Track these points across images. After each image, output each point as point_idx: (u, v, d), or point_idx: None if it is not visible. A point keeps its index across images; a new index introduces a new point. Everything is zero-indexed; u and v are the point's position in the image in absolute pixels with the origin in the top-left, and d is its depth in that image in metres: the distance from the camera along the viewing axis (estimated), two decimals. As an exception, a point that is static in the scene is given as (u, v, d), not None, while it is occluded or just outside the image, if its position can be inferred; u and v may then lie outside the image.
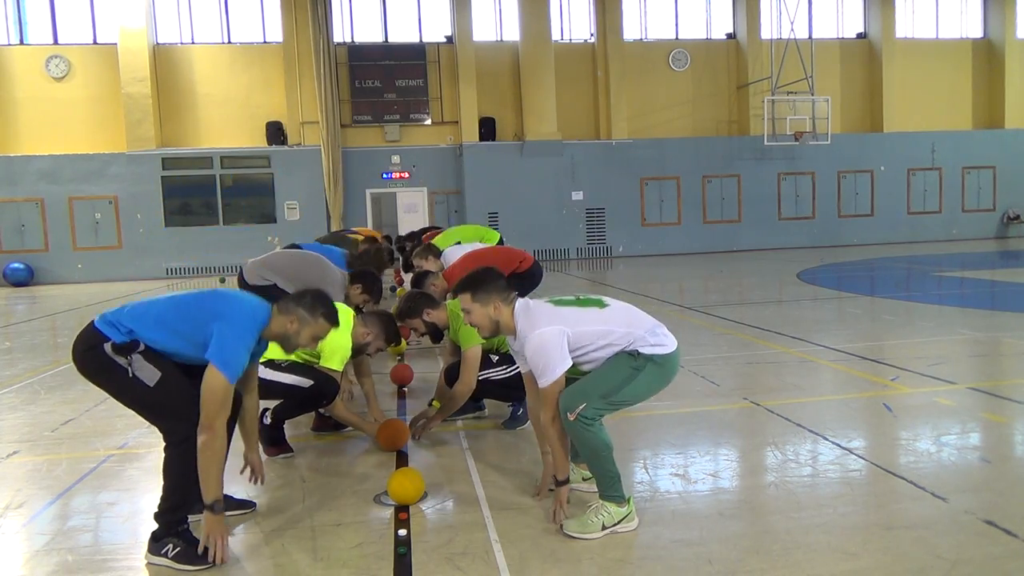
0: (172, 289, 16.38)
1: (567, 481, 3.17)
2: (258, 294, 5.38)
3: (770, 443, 4.12)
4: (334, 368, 4.10)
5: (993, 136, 22.55)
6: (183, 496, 2.93)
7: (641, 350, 3.10)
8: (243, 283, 5.49)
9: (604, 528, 2.98)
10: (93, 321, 2.97)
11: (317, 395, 4.11)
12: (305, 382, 4.04)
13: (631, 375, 3.07)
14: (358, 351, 4.23)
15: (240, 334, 2.90)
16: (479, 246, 7.10)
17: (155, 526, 2.94)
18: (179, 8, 19.83)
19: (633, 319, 3.19)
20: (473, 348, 4.22)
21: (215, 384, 2.80)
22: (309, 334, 3.08)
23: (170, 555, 2.87)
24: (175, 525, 2.92)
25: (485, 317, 3.11)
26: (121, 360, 2.86)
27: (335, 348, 4.07)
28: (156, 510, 2.95)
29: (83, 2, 19.47)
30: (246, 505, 3.40)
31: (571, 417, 2.99)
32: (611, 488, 3.04)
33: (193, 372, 2.95)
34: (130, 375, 2.87)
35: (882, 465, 3.69)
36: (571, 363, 3.05)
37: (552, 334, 3.02)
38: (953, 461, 3.75)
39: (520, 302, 3.16)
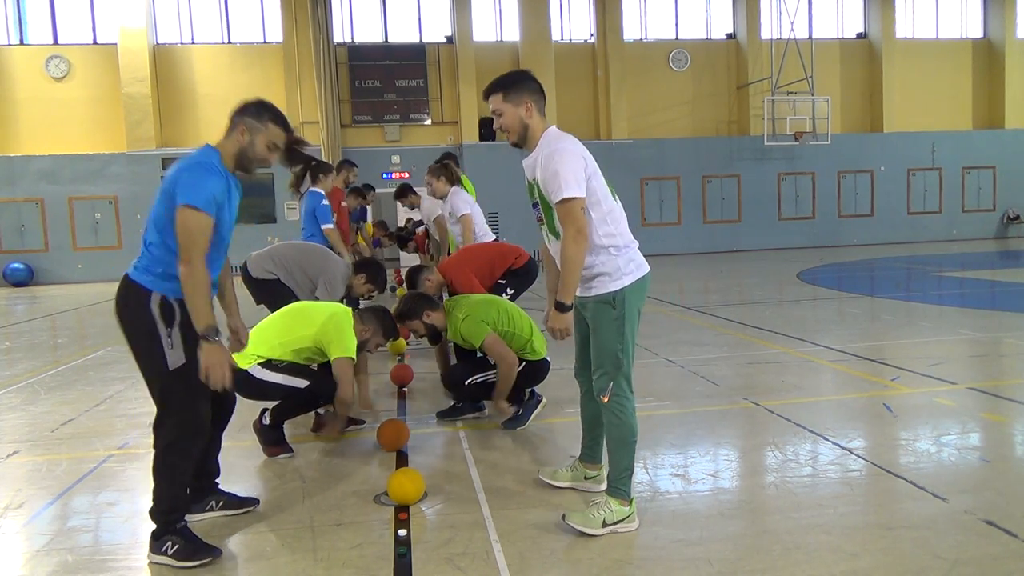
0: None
1: (571, 307, 3.02)
2: (261, 288, 5.40)
3: (770, 443, 4.12)
4: (348, 355, 4.03)
5: (993, 136, 22.55)
6: (172, 501, 2.92)
7: (623, 284, 3.04)
8: (247, 277, 5.48)
9: (605, 525, 2.98)
10: (127, 274, 2.94)
11: (313, 396, 4.12)
12: (301, 383, 4.04)
13: (619, 328, 3.03)
14: (358, 348, 4.23)
15: (200, 169, 2.88)
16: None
17: (154, 526, 2.94)
18: (179, 8, 19.84)
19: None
20: (489, 336, 4.31)
21: (185, 222, 2.74)
22: (263, 141, 3.03)
23: (170, 552, 2.86)
24: (173, 523, 2.92)
25: (516, 119, 3.03)
26: (162, 328, 2.81)
27: (342, 338, 4.06)
28: (151, 509, 2.95)
29: (83, 2, 19.47)
30: (249, 503, 3.40)
31: (604, 399, 3.03)
32: (620, 483, 3.05)
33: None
34: (155, 343, 2.82)
35: (882, 465, 3.68)
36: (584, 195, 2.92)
37: (574, 154, 2.94)
38: (953, 461, 3.75)
39: (552, 128, 3.09)
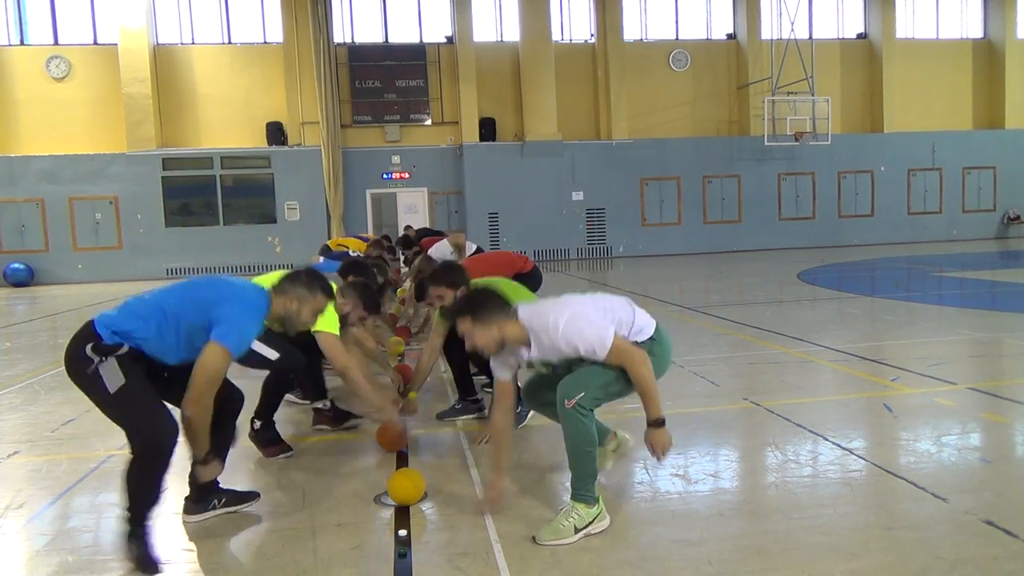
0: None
1: (663, 422, 3.11)
2: None
3: (770, 443, 4.12)
4: (330, 330, 3.92)
5: (993, 136, 22.55)
6: (143, 508, 2.90)
7: (639, 339, 3.15)
8: None
9: (577, 531, 2.98)
10: (92, 320, 2.97)
11: (282, 369, 4.07)
12: (272, 354, 3.94)
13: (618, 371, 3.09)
14: (341, 323, 4.21)
15: (250, 314, 2.97)
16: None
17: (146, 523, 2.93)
18: (179, 8, 19.84)
19: (622, 307, 3.24)
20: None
21: (213, 362, 2.85)
22: (309, 310, 3.13)
23: (132, 555, 2.87)
24: (143, 521, 2.90)
25: (489, 339, 3.08)
26: (95, 358, 2.85)
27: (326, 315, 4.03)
28: (124, 513, 2.91)
29: (83, 2, 19.48)
30: (249, 497, 3.41)
31: (568, 405, 3.02)
32: (584, 488, 3.05)
33: (170, 381, 3.02)
34: (92, 372, 2.84)
35: (882, 465, 3.68)
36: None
37: (580, 309, 3.08)
38: (953, 461, 3.75)
39: (523, 308, 3.14)
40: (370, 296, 4.39)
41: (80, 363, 2.87)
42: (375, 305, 4.48)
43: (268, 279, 3.50)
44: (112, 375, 2.85)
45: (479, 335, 3.08)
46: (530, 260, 6.50)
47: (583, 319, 3.03)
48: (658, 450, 3.11)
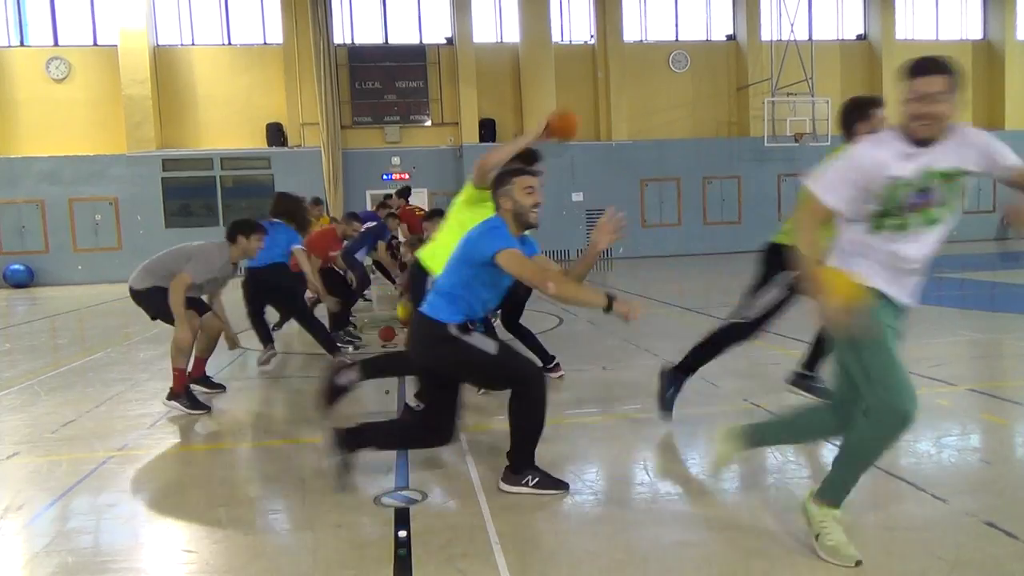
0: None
1: None
2: (143, 297, 5.39)
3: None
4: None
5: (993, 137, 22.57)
6: (533, 442, 3.42)
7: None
8: (131, 291, 5.45)
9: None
10: (422, 311, 3.43)
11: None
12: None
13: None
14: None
15: (493, 233, 3.37)
16: None
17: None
18: (179, 10, 19.86)
19: None
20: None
21: (510, 259, 3.26)
22: (520, 193, 3.41)
23: (530, 484, 3.39)
24: (530, 461, 3.42)
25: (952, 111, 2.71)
26: (461, 335, 3.36)
27: None
28: (509, 451, 3.44)
29: (83, 4, 19.49)
30: (561, 486, 3.48)
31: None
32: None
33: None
34: (465, 346, 3.35)
35: (882, 466, 3.68)
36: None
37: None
38: (953, 462, 3.75)
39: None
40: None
41: (447, 344, 3.33)
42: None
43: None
44: (484, 342, 3.37)
45: (950, 105, 2.63)
46: None
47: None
48: None
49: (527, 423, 3.39)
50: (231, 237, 5.47)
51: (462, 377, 3.52)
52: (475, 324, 3.48)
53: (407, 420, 3.44)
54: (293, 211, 6.96)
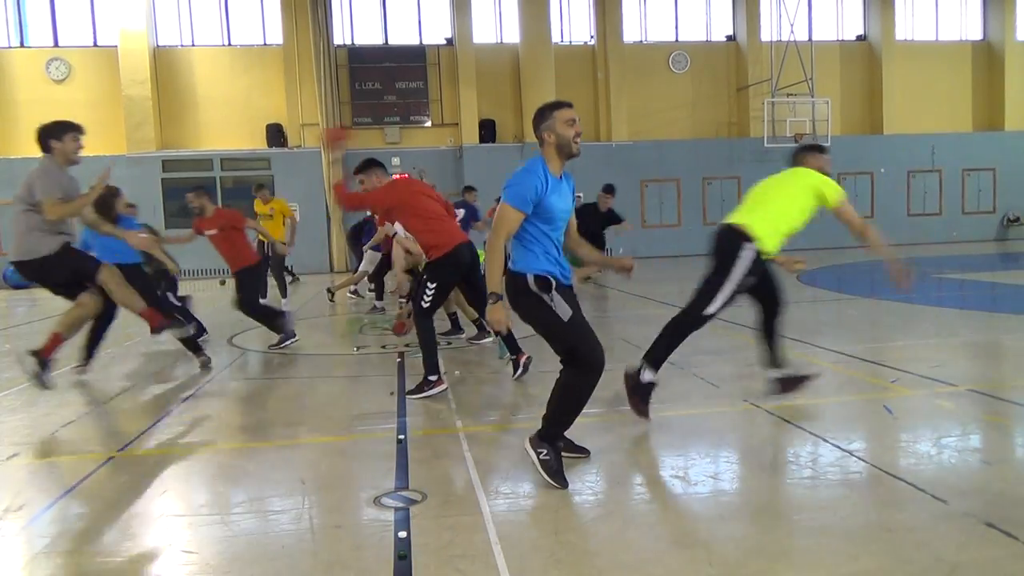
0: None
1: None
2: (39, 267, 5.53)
3: (770, 445, 4.12)
4: None
5: (993, 138, 22.56)
6: (568, 419, 3.57)
7: None
8: (23, 264, 5.60)
9: None
10: (514, 269, 3.57)
11: None
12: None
13: None
14: None
15: (521, 175, 3.59)
16: None
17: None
18: (179, 10, 19.87)
19: None
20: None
21: (501, 212, 3.55)
22: (561, 126, 3.55)
23: (539, 458, 3.50)
24: (553, 438, 3.55)
25: None
26: (543, 294, 3.48)
27: None
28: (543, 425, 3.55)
29: (83, 4, 19.50)
30: (583, 452, 3.87)
31: None
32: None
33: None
34: (548, 305, 3.47)
35: (882, 467, 3.68)
36: None
37: None
38: (953, 463, 3.75)
39: None
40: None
41: (525, 297, 3.51)
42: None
43: None
44: (561, 305, 3.45)
45: None
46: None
47: None
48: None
49: (565, 400, 3.51)
50: (44, 148, 5.68)
51: (536, 330, 3.60)
52: (556, 281, 3.51)
53: (566, 380, 3.50)
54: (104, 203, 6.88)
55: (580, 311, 3.55)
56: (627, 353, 6.93)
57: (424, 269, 5.69)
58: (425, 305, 5.48)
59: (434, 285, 5.51)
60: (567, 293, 3.56)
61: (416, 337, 5.68)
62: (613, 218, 13.21)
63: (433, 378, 5.40)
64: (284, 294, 11.99)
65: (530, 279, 3.49)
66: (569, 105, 3.59)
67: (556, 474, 3.47)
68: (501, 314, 3.46)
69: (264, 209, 12.08)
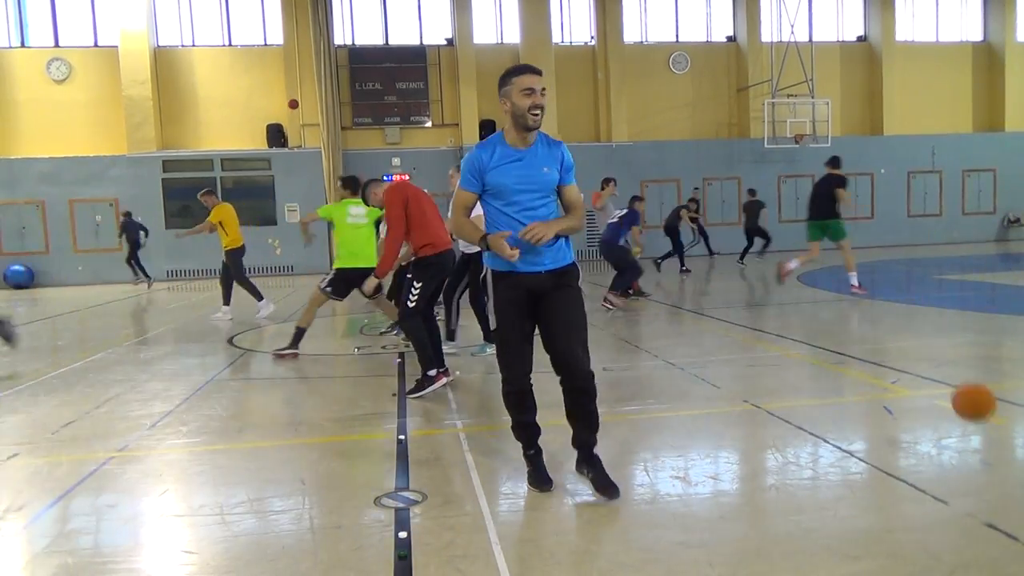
0: (172, 292, 16.38)
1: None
2: None
3: (771, 446, 4.12)
4: None
5: (993, 139, 22.56)
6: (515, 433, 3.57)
7: None
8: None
9: None
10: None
11: None
12: None
13: None
14: None
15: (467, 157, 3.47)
16: None
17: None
18: (180, 11, 19.87)
19: None
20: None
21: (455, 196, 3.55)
22: (517, 95, 3.28)
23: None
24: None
25: None
26: None
27: None
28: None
29: (84, 5, 19.51)
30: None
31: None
32: None
33: None
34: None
35: (883, 468, 3.68)
36: None
37: None
38: (954, 464, 3.75)
39: None
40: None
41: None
42: None
43: None
44: (497, 316, 3.36)
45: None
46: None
47: None
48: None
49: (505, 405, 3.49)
50: None
51: None
52: (515, 274, 3.30)
53: None
54: None
55: (520, 321, 3.34)
56: (627, 354, 6.92)
57: (411, 269, 5.64)
58: (411, 305, 5.46)
59: (419, 285, 5.50)
60: (527, 284, 3.31)
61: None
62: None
63: (432, 373, 5.42)
64: (228, 302, 10.59)
65: (488, 273, 3.38)
66: (533, 71, 3.26)
67: (536, 482, 3.46)
68: (500, 241, 3.18)
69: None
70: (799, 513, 3.17)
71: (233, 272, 10.53)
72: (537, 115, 3.22)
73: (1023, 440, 4.26)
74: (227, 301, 10.56)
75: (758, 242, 16.90)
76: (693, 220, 16.89)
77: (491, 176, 3.26)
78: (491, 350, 6.98)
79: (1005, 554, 2.74)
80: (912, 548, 2.81)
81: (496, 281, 3.36)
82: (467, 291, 7.22)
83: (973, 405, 3.52)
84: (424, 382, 5.40)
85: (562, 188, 3.41)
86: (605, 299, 9.68)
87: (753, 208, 16.90)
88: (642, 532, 3.05)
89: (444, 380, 5.50)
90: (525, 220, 3.25)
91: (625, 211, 10.50)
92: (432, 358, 5.47)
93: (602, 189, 11.51)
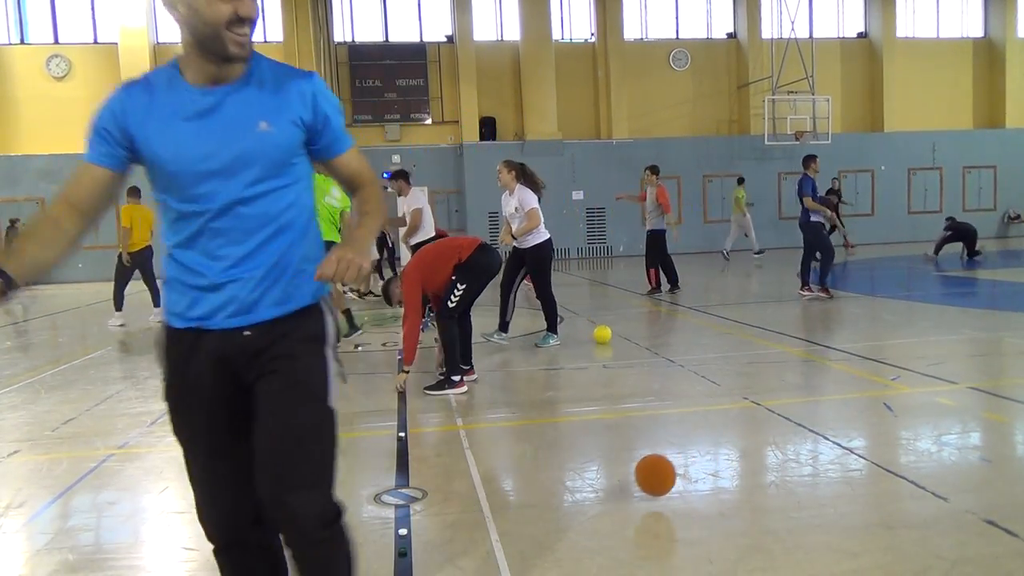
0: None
1: None
2: None
3: (771, 443, 4.12)
4: None
5: (994, 135, 22.53)
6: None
7: None
8: None
9: None
10: None
11: None
12: None
13: None
14: None
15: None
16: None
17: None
18: (179, 7, 19.86)
19: None
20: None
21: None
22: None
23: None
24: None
25: None
26: None
27: None
28: None
29: (83, 2, 19.48)
30: None
31: None
32: None
33: None
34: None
35: (883, 465, 3.68)
36: None
37: None
38: (954, 461, 3.75)
39: None
40: None
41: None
42: None
43: None
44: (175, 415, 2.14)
45: None
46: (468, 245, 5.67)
47: None
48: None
49: None
50: None
51: None
52: (192, 330, 1.89)
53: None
54: None
55: (204, 425, 1.97)
56: (627, 352, 6.92)
57: (455, 271, 5.42)
58: (451, 305, 5.35)
59: (463, 287, 5.37)
60: (218, 353, 1.81)
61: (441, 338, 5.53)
62: None
63: (456, 378, 5.36)
64: (157, 303, 10.08)
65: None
66: None
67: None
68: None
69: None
70: (799, 510, 3.18)
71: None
72: (244, 38, 1.76)
73: (1023, 437, 4.26)
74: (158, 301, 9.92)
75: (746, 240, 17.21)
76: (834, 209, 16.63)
77: (141, 142, 1.86)
78: (555, 340, 7.05)
79: (1005, 551, 2.74)
80: (912, 545, 2.81)
81: (168, 348, 1.90)
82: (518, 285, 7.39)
83: (654, 479, 3.36)
84: (445, 384, 5.37)
85: (330, 161, 1.97)
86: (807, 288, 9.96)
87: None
88: (642, 531, 3.05)
89: (464, 388, 5.40)
90: (217, 238, 1.79)
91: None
92: (458, 362, 5.42)
93: (655, 175, 12.24)
